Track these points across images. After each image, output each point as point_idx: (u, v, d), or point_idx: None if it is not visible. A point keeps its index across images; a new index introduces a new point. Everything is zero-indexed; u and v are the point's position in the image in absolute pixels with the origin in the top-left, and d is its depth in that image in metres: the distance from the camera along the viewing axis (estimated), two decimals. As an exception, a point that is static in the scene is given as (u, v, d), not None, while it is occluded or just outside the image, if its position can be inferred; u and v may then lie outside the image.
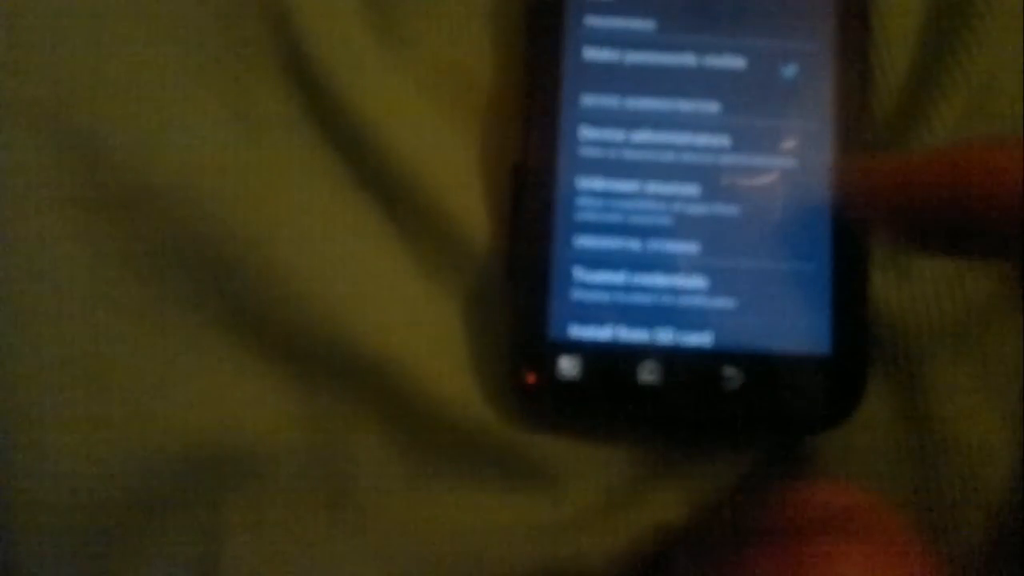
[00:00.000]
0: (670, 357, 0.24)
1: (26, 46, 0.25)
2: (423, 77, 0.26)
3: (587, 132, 0.25)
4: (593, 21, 0.25)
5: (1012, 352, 0.25)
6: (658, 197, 0.25)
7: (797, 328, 0.24)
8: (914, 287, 0.25)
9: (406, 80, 0.26)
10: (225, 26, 0.26)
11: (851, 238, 0.24)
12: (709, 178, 0.25)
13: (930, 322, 0.25)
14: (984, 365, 0.25)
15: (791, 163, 0.25)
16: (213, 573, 0.25)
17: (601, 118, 0.25)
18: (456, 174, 0.26)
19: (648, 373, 0.24)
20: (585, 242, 0.25)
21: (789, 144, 0.25)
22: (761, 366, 0.24)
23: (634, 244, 0.25)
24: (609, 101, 0.25)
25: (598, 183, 0.25)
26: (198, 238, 0.25)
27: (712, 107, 0.25)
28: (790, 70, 0.25)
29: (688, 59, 0.25)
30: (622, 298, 0.24)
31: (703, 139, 0.25)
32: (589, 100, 0.25)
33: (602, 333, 0.24)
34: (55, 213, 0.25)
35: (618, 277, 0.24)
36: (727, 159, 0.25)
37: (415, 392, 0.25)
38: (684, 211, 0.25)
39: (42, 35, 0.25)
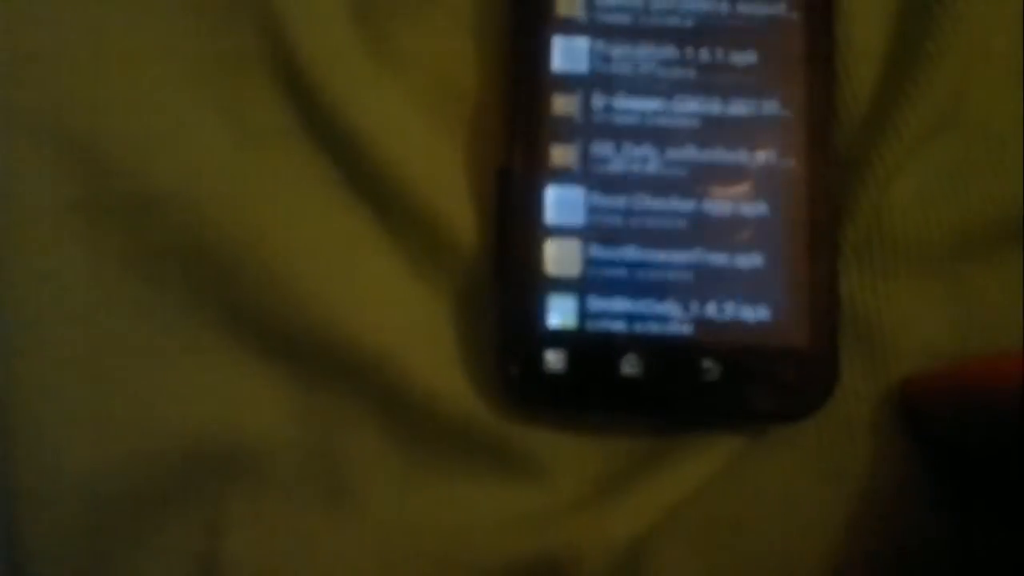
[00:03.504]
0: (651, 350, 0.25)
1: (28, 58, 0.26)
2: (412, 88, 0.27)
3: (569, 137, 0.26)
4: (571, 32, 0.26)
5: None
6: (638, 197, 0.25)
7: (772, 321, 0.25)
8: (888, 283, 0.26)
9: (396, 91, 0.27)
10: (220, 39, 0.27)
11: (822, 235, 0.25)
12: (687, 177, 0.26)
13: (903, 318, 0.26)
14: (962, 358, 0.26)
15: (765, 159, 0.26)
16: (213, 568, 0.25)
17: (582, 123, 0.26)
18: (444, 179, 0.26)
19: (630, 366, 0.25)
20: (568, 241, 0.25)
21: (763, 140, 0.26)
22: (738, 358, 0.25)
23: (615, 243, 0.25)
24: (589, 107, 0.26)
25: (580, 185, 0.26)
26: (196, 242, 0.26)
27: (686, 105, 0.26)
28: (765, 75, 0.26)
29: (665, 64, 0.26)
30: (604, 294, 0.25)
31: (682, 143, 0.26)
32: (570, 107, 0.26)
33: (585, 328, 0.25)
34: (57, 218, 0.26)
35: (600, 274, 0.25)
36: (704, 157, 0.26)
37: (409, 387, 0.25)
38: (663, 210, 0.25)
39: (44, 47, 0.26)
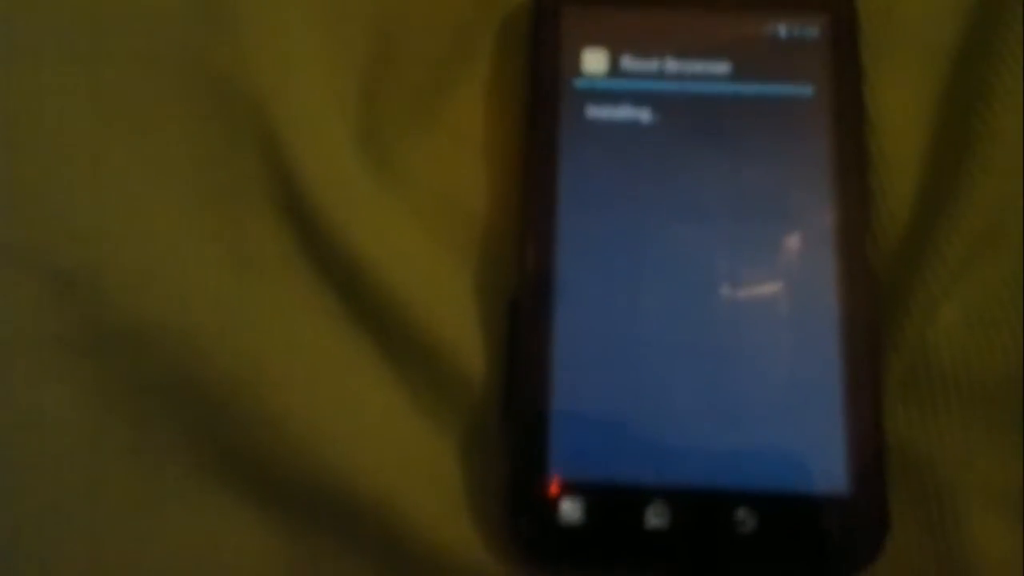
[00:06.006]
0: (678, 499, 0.23)
1: (14, 185, 0.25)
2: (417, 210, 0.26)
3: (585, 267, 0.24)
4: (591, 158, 0.25)
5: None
6: (662, 334, 0.24)
7: (811, 466, 0.23)
8: (940, 421, 0.24)
9: (400, 214, 0.26)
10: (218, 163, 0.26)
11: (864, 369, 0.23)
12: (713, 314, 0.24)
13: (958, 459, 0.24)
14: None
15: (796, 295, 0.24)
16: None
17: (599, 253, 0.24)
18: (452, 307, 0.25)
19: (656, 517, 0.23)
20: (585, 380, 0.24)
21: (792, 275, 0.24)
22: (775, 507, 0.23)
23: (637, 381, 0.24)
24: (607, 235, 0.25)
25: (597, 319, 0.24)
26: (186, 377, 0.24)
27: (711, 240, 0.24)
28: (790, 195, 0.25)
29: (685, 197, 0.25)
30: (626, 438, 0.23)
31: (704, 275, 0.24)
32: (587, 235, 0.25)
33: (605, 475, 0.23)
34: (40, 355, 0.25)
35: (621, 416, 0.23)
36: (730, 293, 0.24)
37: (410, 537, 0.24)
38: (689, 347, 0.24)
39: (31, 174, 0.25)
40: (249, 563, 0.24)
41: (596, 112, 0.25)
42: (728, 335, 0.24)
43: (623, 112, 0.25)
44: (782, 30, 0.26)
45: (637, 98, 0.25)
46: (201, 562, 0.24)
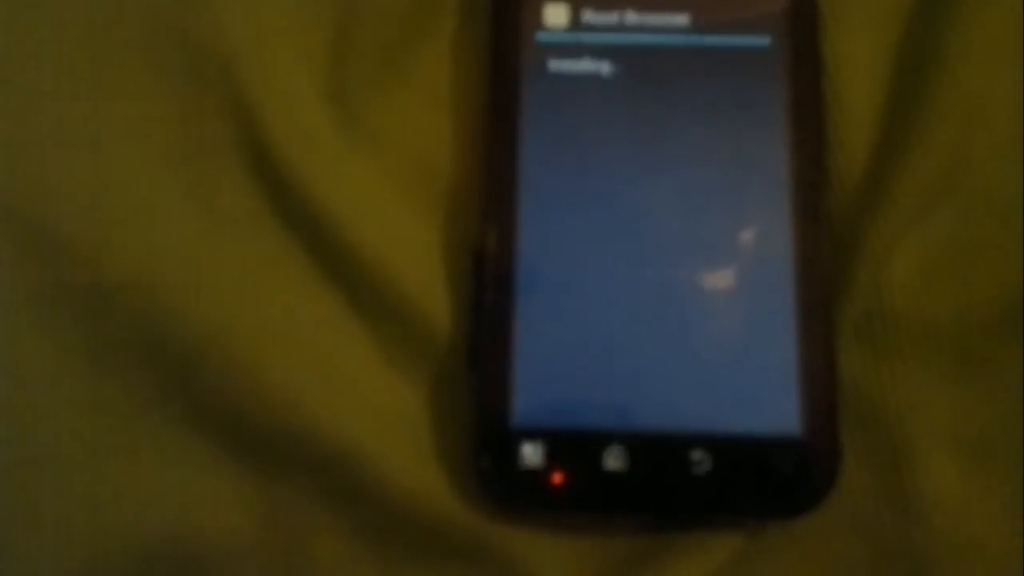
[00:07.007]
0: (636, 442, 0.23)
1: None
2: (385, 167, 0.26)
3: (547, 218, 0.25)
4: (552, 111, 0.25)
5: (1009, 434, 0.24)
6: (621, 281, 0.24)
7: (765, 408, 0.24)
8: (894, 365, 0.24)
9: (368, 171, 0.26)
10: (188, 122, 0.26)
11: (817, 314, 0.24)
12: (672, 261, 0.24)
13: (910, 402, 0.24)
14: (978, 449, 0.24)
15: (752, 241, 0.24)
16: None
17: (562, 203, 0.25)
18: (418, 261, 0.26)
19: (614, 459, 0.23)
20: (547, 327, 0.24)
21: (749, 222, 0.25)
22: (730, 449, 0.23)
23: (597, 328, 0.24)
24: (569, 187, 0.25)
25: (559, 268, 0.24)
26: (161, 332, 0.25)
27: (670, 189, 0.25)
28: (747, 144, 0.25)
29: (646, 147, 0.25)
30: (585, 383, 0.24)
31: (664, 222, 0.25)
32: (549, 186, 0.25)
33: (566, 419, 0.24)
34: (18, 309, 0.25)
35: (581, 362, 0.24)
36: (689, 240, 0.25)
37: (378, 484, 0.24)
38: (648, 294, 0.24)
39: (6, 133, 0.25)
40: (223, 513, 0.25)
41: (557, 65, 0.25)
42: (685, 281, 0.24)
43: (584, 65, 0.25)
44: None
45: (598, 51, 0.25)
46: (177, 512, 0.24)
